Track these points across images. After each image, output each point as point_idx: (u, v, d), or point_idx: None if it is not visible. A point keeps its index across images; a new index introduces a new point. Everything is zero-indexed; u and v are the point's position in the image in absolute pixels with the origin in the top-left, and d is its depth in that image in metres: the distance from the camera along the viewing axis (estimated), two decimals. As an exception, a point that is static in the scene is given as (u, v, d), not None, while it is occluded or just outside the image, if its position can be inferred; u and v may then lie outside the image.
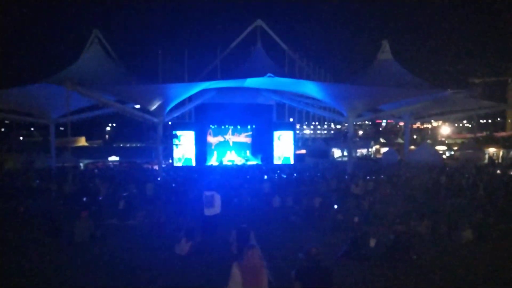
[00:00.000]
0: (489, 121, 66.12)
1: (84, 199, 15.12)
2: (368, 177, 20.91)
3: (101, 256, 7.72)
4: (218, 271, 6.42)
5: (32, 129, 59.62)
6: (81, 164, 34.25)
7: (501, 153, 38.92)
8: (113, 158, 38.68)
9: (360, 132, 79.75)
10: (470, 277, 6.45)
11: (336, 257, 7.46)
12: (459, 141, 56.28)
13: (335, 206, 12.27)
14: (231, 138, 32.72)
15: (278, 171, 25.35)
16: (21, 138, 56.94)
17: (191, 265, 7.08)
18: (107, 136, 70.20)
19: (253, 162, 31.82)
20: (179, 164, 30.33)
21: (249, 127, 32.75)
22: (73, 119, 25.94)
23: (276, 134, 32.61)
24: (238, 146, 32.85)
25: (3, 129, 62.71)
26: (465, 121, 71.27)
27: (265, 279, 4.52)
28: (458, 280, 6.26)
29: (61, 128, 33.12)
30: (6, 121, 39.54)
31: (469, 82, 38.77)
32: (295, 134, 35.34)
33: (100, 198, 15.78)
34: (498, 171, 25.18)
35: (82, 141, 49.05)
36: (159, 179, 21.90)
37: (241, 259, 4.60)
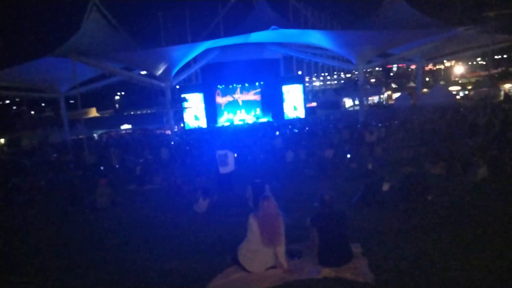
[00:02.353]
0: (505, 56, 63.73)
1: (102, 168, 15.49)
2: (380, 124, 20.73)
3: (123, 219, 8.02)
4: (236, 225, 6.61)
5: (43, 104, 60.16)
6: (95, 135, 34.74)
7: (517, 89, 37.85)
8: (125, 126, 39.09)
9: (372, 81, 78.05)
10: (485, 212, 6.49)
11: (351, 204, 7.56)
12: (473, 80, 54.76)
13: (348, 156, 12.28)
14: (240, 97, 32.44)
15: (290, 126, 25.29)
16: (33, 114, 57.64)
17: (210, 221, 7.31)
18: (117, 105, 70.49)
19: (264, 119, 31.75)
20: (196, 124, 30.48)
21: (257, 84, 32.29)
22: (82, 91, 25.91)
23: (285, 88, 32.20)
24: (248, 104, 32.62)
25: (14, 107, 63.53)
26: (479, 59, 68.76)
27: (282, 227, 4.65)
28: (473, 217, 6.31)
29: (71, 101, 33.32)
30: (17, 99, 39.88)
31: (483, 16, 36.95)
32: (304, 87, 34.83)
33: (117, 166, 16.14)
34: (514, 107, 24.64)
35: (93, 112, 49.47)
36: (172, 143, 22.14)
37: (257, 210, 4.71)
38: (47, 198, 10.88)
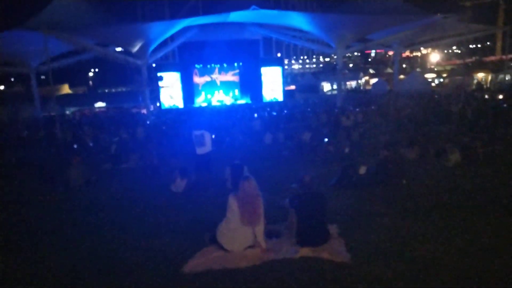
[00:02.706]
0: (479, 45, 65.34)
1: (75, 146, 15.08)
2: (358, 109, 20.99)
3: (98, 198, 7.84)
4: (214, 205, 6.60)
5: (12, 79, 57.65)
6: (68, 112, 33.72)
7: (489, 78, 38.95)
8: (100, 104, 38.04)
9: (351, 65, 78.60)
10: (457, 196, 6.71)
11: (328, 186, 7.66)
12: (448, 67, 55.97)
13: (326, 140, 12.39)
14: (218, 77, 31.96)
15: (268, 109, 25.25)
16: (2, 88, 55.25)
17: (188, 201, 7.26)
18: (90, 82, 68.31)
19: (242, 101, 31.55)
20: (172, 103, 30.00)
21: (236, 64, 31.85)
22: (54, 66, 24.92)
23: (264, 70, 31.98)
24: (226, 85, 32.20)
25: (-18, 81, 60.62)
26: (454, 47, 70.19)
27: (261, 207, 4.66)
28: (445, 200, 6.52)
29: (43, 77, 32.07)
30: (-16, 73, 38.00)
31: (460, 5, 37.64)
32: (283, 70, 34.70)
33: (91, 145, 15.74)
34: (486, 96, 25.40)
35: (66, 89, 47.74)
36: (148, 122, 21.75)
37: (237, 190, 4.70)
38: (18, 176, 10.50)
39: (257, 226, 4.61)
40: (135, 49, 22.75)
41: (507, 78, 35.42)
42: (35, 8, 21.75)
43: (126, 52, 23.38)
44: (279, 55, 40.74)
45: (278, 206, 6.04)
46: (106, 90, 55.45)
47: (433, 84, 42.32)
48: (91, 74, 69.80)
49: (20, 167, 11.70)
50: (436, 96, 26.80)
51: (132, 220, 6.34)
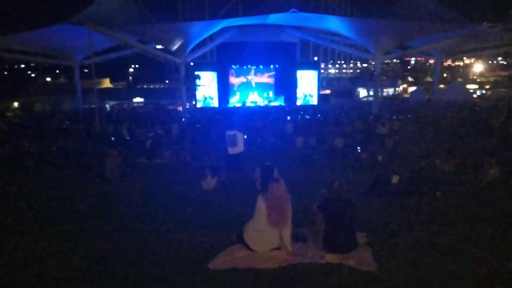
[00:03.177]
0: (526, 57, 62.14)
1: (113, 139, 15.63)
2: (394, 117, 20.52)
3: (132, 190, 8.10)
4: (243, 205, 6.67)
5: (58, 71, 60.44)
6: (107, 106, 34.95)
7: (536, 92, 36.93)
8: (138, 99, 39.21)
9: (390, 72, 76.84)
10: (491, 211, 6.45)
11: (359, 193, 7.56)
12: (492, 79, 53.61)
13: (358, 147, 12.20)
14: (253, 78, 32.17)
15: (302, 112, 25.15)
16: (48, 80, 58.00)
17: (217, 199, 7.36)
18: (130, 78, 70.56)
19: (276, 103, 31.57)
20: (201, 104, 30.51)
21: (272, 66, 31.93)
22: (97, 61, 25.93)
23: (300, 74, 31.85)
24: (261, 87, 32.34)
25: (29, 72, 63.91)
26: (500, 58, 67.15)
27: (289, 210, 4.67)
28: (480, 215, 6.27)
29: (86, 70, 33.43)
30: (32, 64, 40.07)
31: (508, 14, 35.94)
32: (319, 73, 34.44)
33: (128, 138, 16.26)
34: (532, 110, 24.12)
35: (107, 83, 49.63)
36: (183, 120, 22.21)
37: (266, 192, 4.73)
38: (57, 165, 11.01)
39: (284, 228, 4.62)
40: (175, 47, 23.25)
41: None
42: (82, 5, 22.74)
43: (166, 49, 23.95)
44: (316, 58, 40.37)
45: (307, 210, 6.03)
46: (145, 86, 57.04)
47: (474, 96, 40.65)
48: (131, 70, 72.16)
49: (60, 156, 12.27)
50: (477, 108, 25.76)
51: (161, 213, 6.52)
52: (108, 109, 33.95)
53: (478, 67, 62.30)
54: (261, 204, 4.63)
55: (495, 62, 69.69)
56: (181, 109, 27.20)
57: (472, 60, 65.10)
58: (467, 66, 69.10)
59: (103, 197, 7.62)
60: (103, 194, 7.89)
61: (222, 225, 5.80)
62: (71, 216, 6.41)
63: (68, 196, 7.64)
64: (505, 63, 64.38)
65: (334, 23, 24.78)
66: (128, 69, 71.74)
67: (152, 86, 57.61)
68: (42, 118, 23.97)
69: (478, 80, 55.93)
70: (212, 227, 5.77)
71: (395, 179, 7.66)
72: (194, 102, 31.63)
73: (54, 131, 17.73)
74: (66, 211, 6.66)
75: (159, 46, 25.77)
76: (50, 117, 24.24)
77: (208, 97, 31.19)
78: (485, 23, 23.01)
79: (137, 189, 8.22)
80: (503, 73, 52.27)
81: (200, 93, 30.82)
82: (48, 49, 25.91)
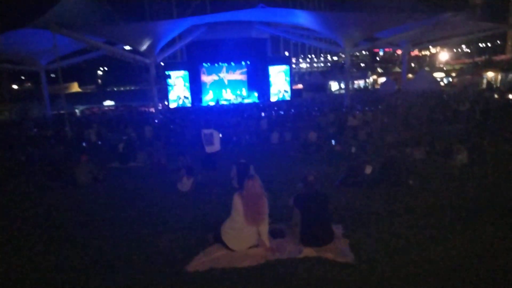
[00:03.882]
0: (489, 44, 64.52)
1: (84, 144, 15.25)
2: (366, 108, 20.90)
3: (105, 196, 7.93)
4: (220, 204, 6.64)
5: (23, 77, 58.34)
6: (77, 111, 34.06)
7: (499, 77, 38.48)
8: (108, 102, 38.39)
9: (361, 64, 78.12)
10: (463, 196, 6.67)
11: (333, 185, 7.66)
12: (457, 67, 55.38)
13: (332, 140, 12.36)
14: (225, 76, 32.06)
15: (275, 108, 25.25)
16: (13, 87, 55.90)
17: (194, 200, 7.29)
18: (99, 81, 68.93)
19: (249, 100, 31.57)
20: (175, 104, 30.17)
21: (243, 63, 31.93)
22: (64, 65, 25.25)
23: (271, 69, 31.96)
24: (234, 84, 32.31)
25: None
26: (464, 46, 69.47)
27: (266, 206, 4.67)
28: (452, 201, 6.47)
29: (52, 75, 32.48)
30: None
31: (470, 3, 37.18)
32: (291, 68, 34.67)
33: (99, 143, 15.89)
34: (496, 96, 25.12)
35: (75, 87, 48.37)
36: (156, 121, 21.89)
37: (242, 189, 4.72)
38: (27, 173, 10.66)
39: (262, 225, 4.63)
40: (144, 47, 22.88)
41: (517, 78, 34.98)
42: (44, 7, 22.00)
43: (135, 50, 23.53)
44: (286, 53, 40.65)
45: (283, 205, 6.06)
46: (115, 89, 55.97)
47: (442, 84, 41.90)
48: (100, 72, 70.41)
49: (29, 164, 11.88)
50: (444, 96, 26.57)
51: (137, 218, 6.40)
52: (78, 114, 33.07)
53: (444, 55, 64.21)
54: (237, 202, 4.62)
55: (459, 50, 72.02)
56: (153, 110, 26.81)
57: (438, 49, 67.03)
58: (433, 55, 71.08)
59: (75, 204, 7.41)
60: (75, 201, 7.68)
61: (199, 226, 5.74)
62: (42, 226, 6.21)
63: (39, 205, 7.40)
64: (468, 50, 66.61)
65: (303, 18, 24.98)
66: (97, 72, 69.98)
67: (122, 89, 56.54)
68: (9, 126, 23.11)
69: (444, 68, 57.64)
70: (189, 229, 5.70)
71: (368, 170, 7.81)
72: (166, 103, 31.23)
73: (22, 139, 17.14)
74: (36, 221, 6.45)
75: (127, 47, 25.28)
76: (18, 125, 23.39)
77: (183, 97, 30.87)
78: (448, 12, 23.73)
79: (110, 194, 8.05)
80: (468, 61, 54.05)
81: (174, 93, 30.45)
82: (11, 54, 24.98)
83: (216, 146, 9.66)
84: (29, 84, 58.63)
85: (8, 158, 12.54)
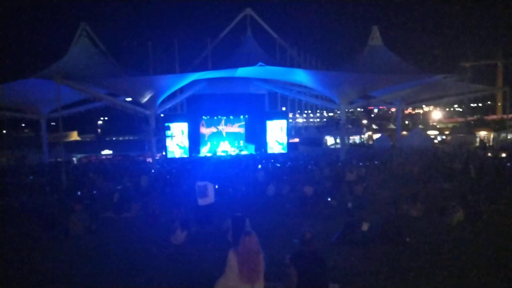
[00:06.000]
0: (480, 104, 66.63)
1: (78, 193, 15.10)
2: (361, 164, 21.05)
3: (97, 248, 7.76)
4: (214, 259, 6.49)
5: (23, 124, 58.92)
6: (74, 159, 34.08)
7: (492, 136, 39.29)
8: (106, 151, 38.53)
9: (355, 120, 79.82)
10: (461, 255, 6.59)
11: (330, 242, 7.56)
12: (450, 125, 56.68)
13: (328, 196, 12.34)
14: (224, 128, 32.69)
15: (272, 160, 25.39)
16: (13, 134, 56.33)
17: (187, 254, 7.15)
18: (99, 130, 69.70)
19: (246, 152, 31.88)
20: (178, 153, 30.43)
21: (241, 117, 32.71)
22: (65, 114, 25.69)
23: (269, 123, 32.62)
24: (232, 136, 32.86)
25: (-7, 126, 61.88)
26: (456, 105, 71.63)
27: (262, 264, 4.59)
28: (449, 259, 6.39)
29: (53, 123, 32.85)
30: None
31: (460, 66, 38.97)
32: (288, 123, 35.39)
33: (95, 192, 15.75)
34: (489, 154, 25.47)
35: (75, 136, 48.74)
36: (153, 171, 21.87)
37: (237, 245, 4.66)
38: (19, 222, 10.46)
39: (257, 284, 4.51)
40: (145, 99, 23.44)
41: (509, 137, 35.68)
42: (52, 59, 22.86)
43: (136, 102, 24.07)
44: (284, 109, 41.65)
45: (279, 262, 5.95)
46: (114, 138, 56.39)
47: (435, 141, 42.63)
48: (100, 122, 71.42)
49: (22, 212, 11.69)
50: (439, 153, 26.90)
51: (127, 272, 6.23)
52: (75, 162, 33.07)
53: (437, 114, 65.90)
54: (232, 259, 4.54)
55: (452, 109, 74.09)
56: (150, 160, 26.88)
57: (431, 107, 68.95)
58: (427, 113, 72.94)
59: (65, 256, 7.24)
60: (66, 252, 7.50)
61: (192, 283, 5.60)
62: (32, 276, 6.03)
63: (29, 256, 7.21)
64: (461, 110, 68.52)
65: (300, 76, 25.93)
66: (97, 122, 71.00)
67: (121, 138, 56.99)
68: (5, 173, 22.98)
69: (437, 126, 58.92)
70: (182, 285, 5.55)
71: (365, 227, 7.75)
72: (164, 153, 31.43)
73: (18, 186, 16.99)
74: (28, 273, 6.26)
75: (128, 99, 25.89)
76: (14, 171, 23.28)
77: (181, 148, 31.21)
78: (440, 74, 24.81)
79: (101, 245, 7.88)
80: (460, 119, 55.46)
81: (174, 143, 30.83)
82: (13, 102, 25.48)
83: (210, 199, 9.55)
84: (28, 130, 59.14)
85: (2, 206, 12.35)
